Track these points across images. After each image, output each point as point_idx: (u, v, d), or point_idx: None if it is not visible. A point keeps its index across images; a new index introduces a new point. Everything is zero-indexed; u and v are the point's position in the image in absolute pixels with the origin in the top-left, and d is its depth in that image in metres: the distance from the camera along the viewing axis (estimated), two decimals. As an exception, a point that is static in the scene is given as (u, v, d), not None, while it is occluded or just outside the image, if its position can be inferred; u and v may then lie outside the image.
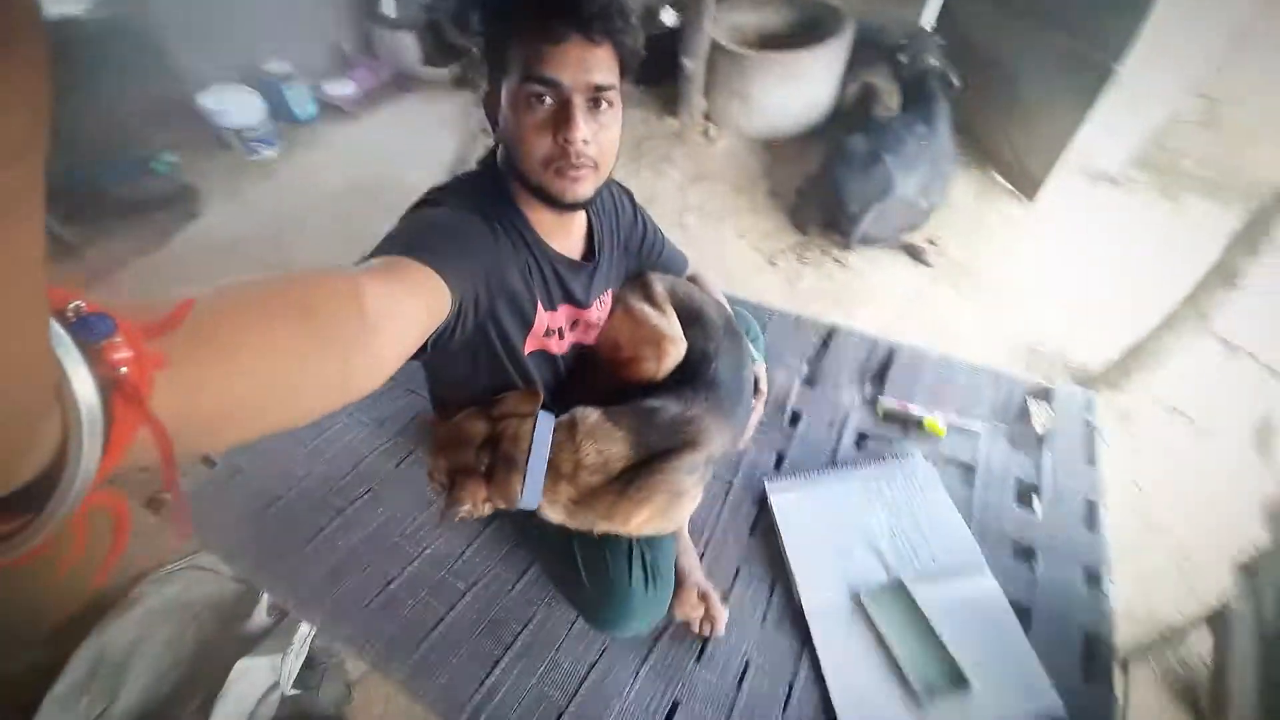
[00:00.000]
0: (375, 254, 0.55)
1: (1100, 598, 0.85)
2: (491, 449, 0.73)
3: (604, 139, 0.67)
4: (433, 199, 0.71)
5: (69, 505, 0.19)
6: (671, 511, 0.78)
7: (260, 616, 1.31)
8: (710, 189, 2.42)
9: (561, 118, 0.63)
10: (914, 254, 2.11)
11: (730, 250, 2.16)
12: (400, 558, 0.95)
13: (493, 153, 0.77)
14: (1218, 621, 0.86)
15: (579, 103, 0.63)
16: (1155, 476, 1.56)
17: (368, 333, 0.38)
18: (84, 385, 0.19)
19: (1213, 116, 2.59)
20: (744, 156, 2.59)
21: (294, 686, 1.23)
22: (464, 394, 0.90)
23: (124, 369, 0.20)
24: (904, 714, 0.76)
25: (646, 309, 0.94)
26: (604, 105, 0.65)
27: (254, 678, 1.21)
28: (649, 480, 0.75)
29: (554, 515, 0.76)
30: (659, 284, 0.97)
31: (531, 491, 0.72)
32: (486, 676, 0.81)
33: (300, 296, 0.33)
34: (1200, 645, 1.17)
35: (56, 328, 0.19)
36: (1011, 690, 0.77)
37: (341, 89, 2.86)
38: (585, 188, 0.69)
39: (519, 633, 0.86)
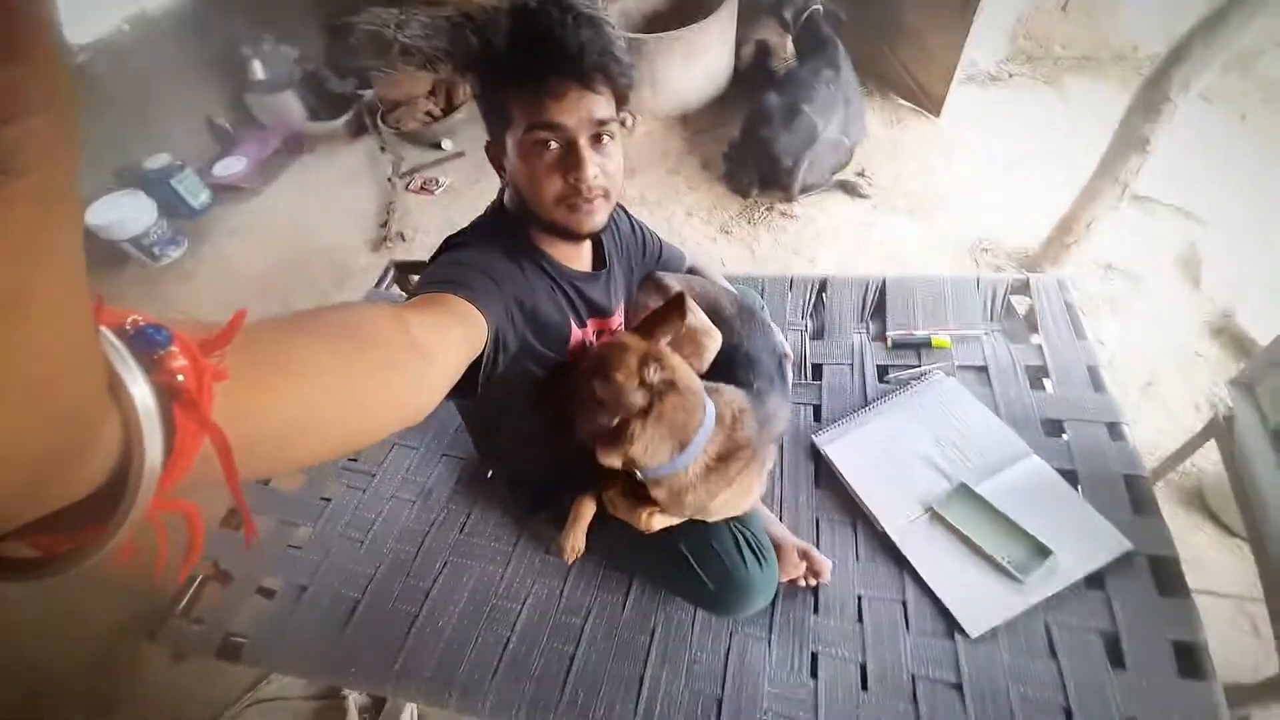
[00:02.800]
0: (411, 297, 0.57)
1: (1125, 444, 0.97)
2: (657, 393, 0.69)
3: (610, 168, 0.70)
4: (455, 243, 0.74)
5: (136, 509, 0.20)
6: (761, 472, 0.82)
7: (354, 722, 1.28)
8: (645, 179, 2.46)
9: (570, 159, 0.66)
10: (850, 190, 2.23)
11: (684, 230, 2.21)
12: (505, 616, 0.95)
13: (500, 195, 0.80)
14: (1221, 432, 1.01)
15: (584, 143, 0.66)
16: (1109, 328, 1.76)
17: (419, 356, 0.40)
18: (141, 392, 0.19)
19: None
20: (665, 138, 2.63)
21: (418, 774, 1.22)
22: (514, 431, 0.93)
23: (181, 377, 0.21)
24: (1008, 593, 0.86)
25: (674, 311, 0.97)
26: (606, 139, 0.68)
27: (374, 780, 1.18)
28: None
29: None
30: (674, 283, 1.01)
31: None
32: (639, 695, 0.84)
33: (351, 324, 0.35)
34: (1197, 458, 1.36)
35: (113, 338, 0.19)
36: (1086, 543, 0.88)
37: (232, 167, 2.67)
38: (599, 217, 0.72)
39: (649, 646, 0.89)
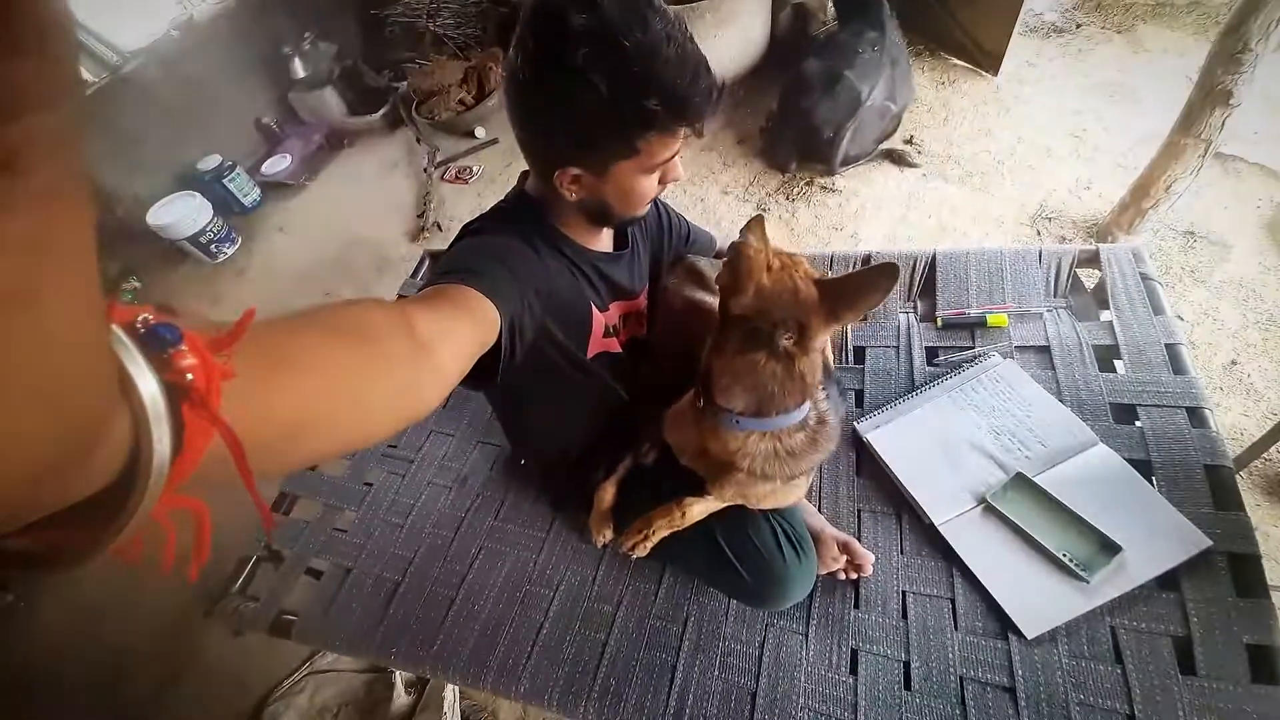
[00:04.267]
0: (425, 286, 0.57)
1: (1207, 431, 0.88)
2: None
3: None
4: (471, 230, 0.73)
5: (145, 505, 0.20)
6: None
7: (400, 697, 1.34)
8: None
9: (670, 172, 0.72)
10: (897, 159, 2.10)
11: (721, 209, 2.14)
12: (539, 602, 0.96)
13: (521, 181, 0.79)
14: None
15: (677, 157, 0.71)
16: (1190, 301, 1.60)
17: (421, 351, 0.40)
18: (150, 389, 0.19)
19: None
20: (698, 113, 2.55)
21: (460, 746, 1.26)
22: (543, 417, 0.93)
23: (190, 375, 0.21)
24: (1072, 593, 0.79)
25: (708, 298, 0.94)
26: None
27: (419, 752, 1.23)
28: None
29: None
30: (709, 268, 0.97)
31: None
32: (671, 684, 0.83)
33: (352, 322, 0.36)
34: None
35: (123, 336, 0.19)
36: (1159, 540, 0.80)
37: (279, 165, 2.77)
38: None
39: (682, 635, 0.88)
